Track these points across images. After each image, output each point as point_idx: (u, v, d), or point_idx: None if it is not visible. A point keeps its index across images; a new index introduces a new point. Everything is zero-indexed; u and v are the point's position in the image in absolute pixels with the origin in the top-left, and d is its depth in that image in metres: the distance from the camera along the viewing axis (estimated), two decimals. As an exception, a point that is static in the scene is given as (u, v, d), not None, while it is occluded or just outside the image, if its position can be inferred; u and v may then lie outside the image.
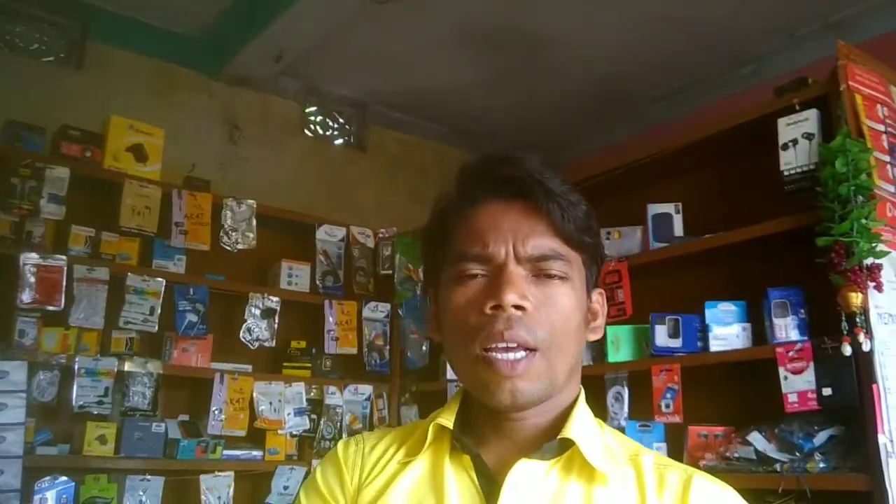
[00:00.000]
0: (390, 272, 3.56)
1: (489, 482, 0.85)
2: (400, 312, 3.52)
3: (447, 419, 0.90)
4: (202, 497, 2.92)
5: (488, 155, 0.93)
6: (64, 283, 2.78)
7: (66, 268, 2.79)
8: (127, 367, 2.88)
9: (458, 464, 0.88)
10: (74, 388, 2.76)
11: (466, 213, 0.90)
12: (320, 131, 4.28)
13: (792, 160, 2.22)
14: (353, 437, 1.00)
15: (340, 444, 0.98)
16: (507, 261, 0.85)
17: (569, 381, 0.89)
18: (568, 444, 0.86)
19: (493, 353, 0.82)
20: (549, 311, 0.85)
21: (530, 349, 0.83)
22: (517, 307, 0.83)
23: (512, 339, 0.82)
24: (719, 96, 3.79)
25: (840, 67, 2.13)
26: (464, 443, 0.88)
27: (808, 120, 2.21)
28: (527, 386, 0.83)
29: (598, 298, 0.95)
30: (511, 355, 0.82)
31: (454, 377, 3.06)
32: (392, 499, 0.88)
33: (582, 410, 0.90)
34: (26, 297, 2.71)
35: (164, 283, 3.00)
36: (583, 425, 0.88)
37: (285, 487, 3.15)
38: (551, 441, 0.86)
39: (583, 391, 0.93)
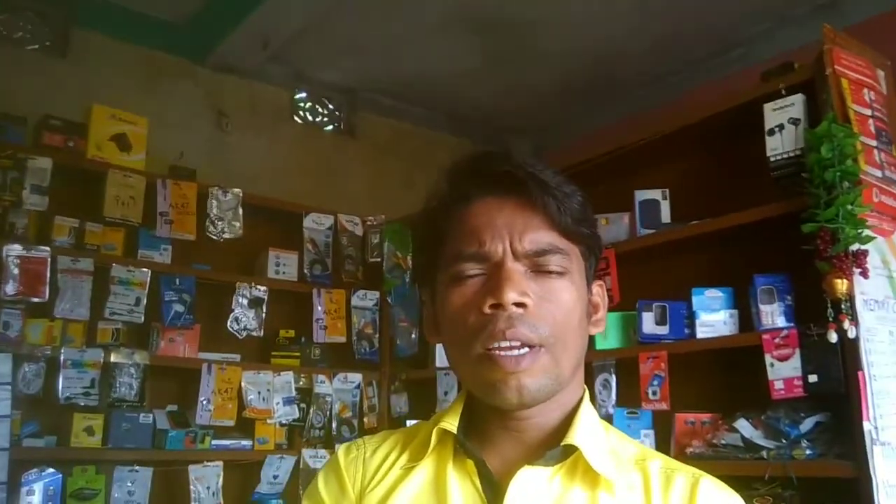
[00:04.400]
0: (379, 260, 3.54)
1: (493, 489, 0.84)
2: (389, 300, 3.51)
3: (450, 423, 0.88)
4: (191, 487, 2.92)
5: (477, 151, 0.90)
6: (48, 274, 2.76)
7: (49, 259, 2.77)
8: (113, 358, 2.86)
9: (461, 469, 0.87)
10: (60, 379, 2.74)
11: (459, 213, 0.88)
12: (310, 118, 4.25)
13: (778, 146, 2.20)
14: (354, 441, 0.98)
15: (341, 450, 0.97)
16: (505, 258, 0.83)
17: (573, 377, 0.87)
18: (572, 448, 0.84)
19: (496, 351, 0.80)
20: (551, 306, 0.83)
21: (534, 346, 0.81)
22: (518, 304, 0.81)
23: (514, 338, 0.80)
24: (707, 80, 3.76)
25: (826, 52, 2.10)
26: (468, 447, 0.87)
27: (794, 105, 2.18)
28: (532, 382, 0.81)
29: (599, 291, 0.94)
30: (515, 352, 0.80)
31: (444, 365, 3.06)
32: None
33: (587, 412, 0.88)
34: (10, 288, 2.69)
35: (149, 274, 2.98)
36: (587, 429, 0.86)
37: (275, 476, 3.15)
38: (554, 449, 0.84)
39: (587, 391, 0.92)
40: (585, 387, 0.92)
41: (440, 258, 0.89)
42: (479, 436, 0.89)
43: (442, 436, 0.89)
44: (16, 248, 2.72)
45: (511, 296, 0.80)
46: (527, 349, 0.81)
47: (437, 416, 0.93)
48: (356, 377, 3.44)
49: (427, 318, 0.95)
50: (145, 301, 2.95)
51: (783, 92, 2.22)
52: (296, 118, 4.18)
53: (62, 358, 2.76)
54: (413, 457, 0.91)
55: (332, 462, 0.96)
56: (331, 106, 4.34)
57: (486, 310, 0.81)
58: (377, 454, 0.94)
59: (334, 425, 3.33)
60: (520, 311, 0.81)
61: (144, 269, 2.98)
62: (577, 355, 0.87)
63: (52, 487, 2.64)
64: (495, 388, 0.81)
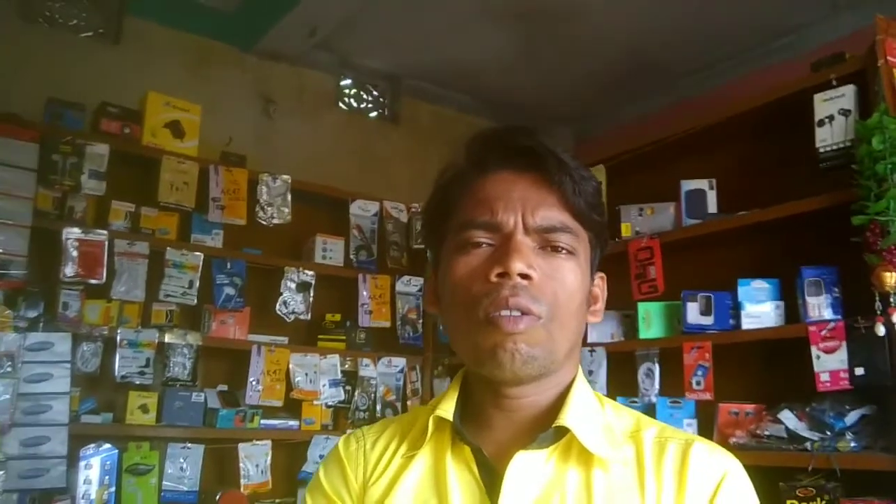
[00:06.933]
0: (423, 246, 3.58)
1: (490, 474, 0.85)
2: (433, 286, 3.54)
3: (446, 410, 0.89)
4: (241, 464, 3.01)
5: (500, 125, 0.91)
6: (105, 257, 2.85)
7: (107, 242, 2.86)
8: (167, 338, 2.95)
9: (459, 456, 0.88)
10: (117, 358, 2.84)
11: (475, 183, 0.89)
12: (354, 104, 4.31)
13: (828, 137, 2.19)
14: (354, 433, 0.99)
15: (341, 442, 0.97)
16: (516, 230, 0.84)
17: (568, 358, 0.88)
18: (564, 430, 0.85)
19: (498, 318, 0.81)
20: (554, 283, 0.83)
21: (532, 314, 0.82)
22: (523, 276, 0.82)
23: (516, 307, 0.81)
24: (755, 68, 3.72)
25: (878, 42, 2.08)
26: (463, 434, 0.87)
27: (845, 96, 2.17)
28: (526, 349, 0.81)
29: (600, 283, 0.95)
30: (514, 314, 0.81)
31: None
32: (398, 497, 0.88)
33: (579, 391, 0.89)
34: (69, 270, 2.78)
35: (202, 257, 3.07)
36: (579, 409, 0.87)
37: (321, 456, 3.21)
38: (546, 431, 0.84)
39: (581, 370, 0.93)
40: (580, 367, 0.93)
41: (450, 226, 0.89)
42: (475, 419, 0.90)
43: (439, 422, 0.90)
44: (75, 232, 2.82)
45: (518, 265, 0.81)
46: (525, 315, 0.82)
47: (434, 401, 0.94)
48: (400, 361, 3.50)
49: (429, 288, 0.96)
50: (198, 284, 3.04)
51: (834, 83, 2.21)
52: (341, 104, 4.24)
53: (118, 338, 2.85)
54: (412, 445, 0.92)
55: (333, 455, 0.97)
56: (375, 92, 4.39)
57: (493, 278, 0.82)
58: (378, 445, 0.95)
59: (378, 408, 3.39)
60: (524, 282, 0.82)
61: (197, 253, 3.07)
62: (573, 338, 0.88)
63: (108, 462, 2.74)
64: (493, 352, 0.82)
